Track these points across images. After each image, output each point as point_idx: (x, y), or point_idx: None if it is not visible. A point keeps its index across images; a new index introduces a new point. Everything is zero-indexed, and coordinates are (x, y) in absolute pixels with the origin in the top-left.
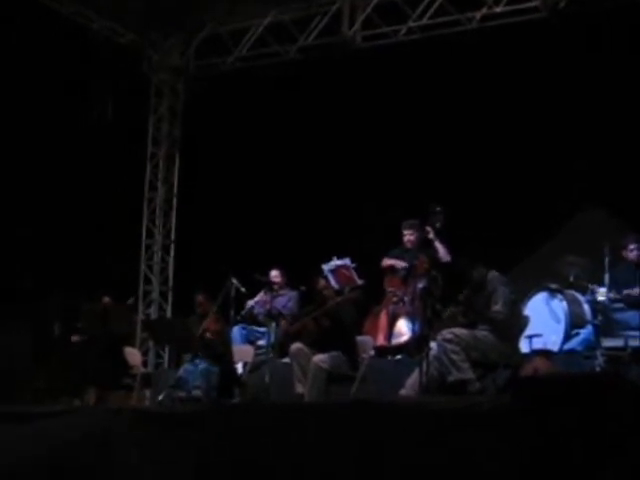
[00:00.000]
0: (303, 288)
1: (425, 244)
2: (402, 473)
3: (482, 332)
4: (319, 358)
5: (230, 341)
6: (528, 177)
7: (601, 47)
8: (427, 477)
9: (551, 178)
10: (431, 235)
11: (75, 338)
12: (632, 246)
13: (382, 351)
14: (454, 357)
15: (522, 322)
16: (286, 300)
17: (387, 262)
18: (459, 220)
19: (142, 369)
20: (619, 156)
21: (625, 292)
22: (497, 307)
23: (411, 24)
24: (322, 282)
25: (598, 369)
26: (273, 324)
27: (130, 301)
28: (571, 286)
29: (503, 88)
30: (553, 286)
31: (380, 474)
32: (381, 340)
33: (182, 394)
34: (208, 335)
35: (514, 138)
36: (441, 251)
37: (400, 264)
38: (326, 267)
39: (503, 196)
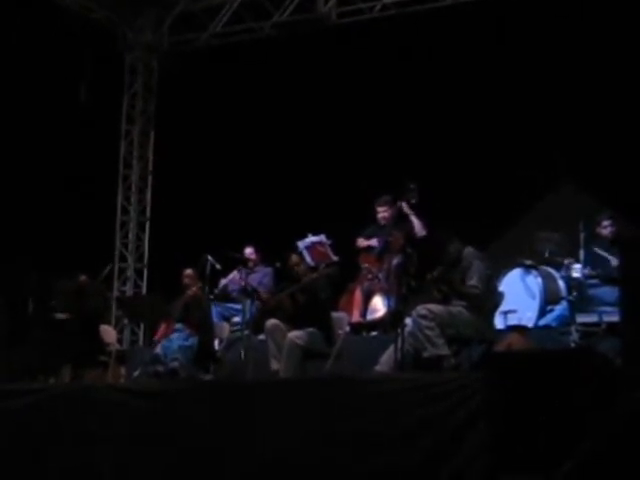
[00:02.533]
0: (278, 264)
1: (399, 220)
2: (374, 445)
3: (457, 308)
4: (294, 334)
5: (210, 312)
6: (504, 153)
7: (575, 18)
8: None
9: (528, 154)
10: (406, 209)
11: (61, 316)
12: (606, 222)
13: (357, 327)
14: (429, 333)
15: (497, 298)
16: (261, 276)
17: (362, 243)
18: (435, 197)
19: (117, 346)
20: (597, 132)
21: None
22: (472, 282)
23: (386, 0)
24: (294, 258)
25: (573, 345)
26: (248, 301)
27: (106, 271)
28: (546, 262)
29: (478, 63)
30: (528, 262)
31: (353, 448)
32: (356, 317)
33: (160, 368)
34: (190, 293)
35: (490, 115)
36: (417, 225)
37: (374, 242)
38: (301, 244)
39: (479, 172)
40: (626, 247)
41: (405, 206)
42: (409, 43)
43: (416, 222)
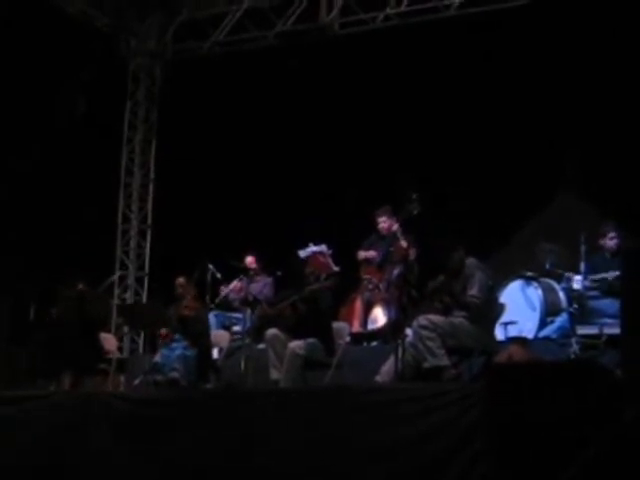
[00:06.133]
0: (280, 274)
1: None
2: (374, 455)
3: (458, 319)
4: (295, 344)
5: (208, 322)
6: (506, 163)
7: (582, 32)
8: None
9: (530, 164)
10: (396, 227)
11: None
12: (612, 234)
13: (358, 337)
14: (430, 344)
15: (498, 309)
16: (261, 286)
17: (361, 255)
18: (436, 208)
19: (117, 354)
20: (600, 142)
21: (599, 277)
22: (473, 291)
23: (389, 11)
24: (310, 267)
25: (573, 356)
26: (248, 310)
27: (109, 281)
28: (547, 274)
29: (480, 73)
30: (529, 274)
31: (354, 457)
32: (357, 327)
33: (159, 377)
34: (186, 312)
35: (491, 126)
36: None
37: (372, 254)
38: (302, 253)
39: (480, 184)
40: (627, 259)
41: (398, 229)
42: (411, 54)
43: (405, 244)
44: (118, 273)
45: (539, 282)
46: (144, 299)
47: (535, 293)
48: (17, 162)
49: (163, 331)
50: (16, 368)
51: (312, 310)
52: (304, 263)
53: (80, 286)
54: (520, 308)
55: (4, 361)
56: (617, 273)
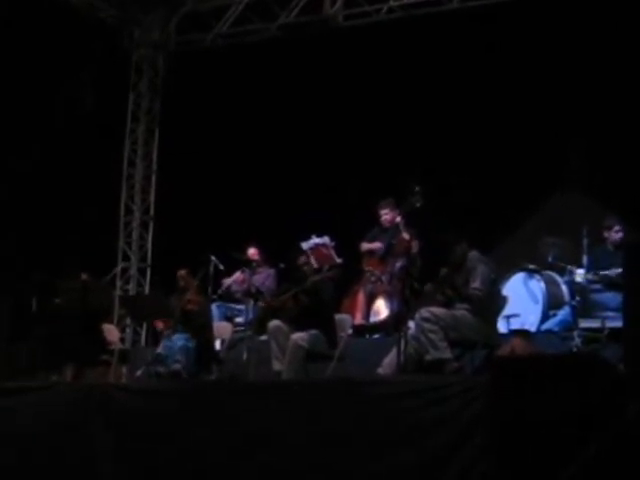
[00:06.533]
0: (282, 265)
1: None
2: (376, 448)
3: (460, 311)
4: (298, 336)
5: (210, 314)
6: (508, 156)
7: (587, 21)
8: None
9: (532, 157)
10: (398, 220)
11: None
12: (617, 227)
13: (360, 330)
14: (432, 336)
15: (500, 302)
16: (264, 277)
17: (365, 247)
18: (439, 201)
19: (120, 345)
20: (603, 136)
21: (602, 273)
22: (475, 284)
23: (392, 3)
24: (303, 258)
25: (575, 350)
26: (251, 301)
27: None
28: (549, 267)
29: (483, 66)
30: (531, 267)
31: (355, 450)
32: (359, 319)
33: (162, 369)
34: (189, 306)
35: (495, 119)
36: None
37: (377, 245)
38: (305, 245)
39: (483, 177)
40: (629, 253)
41: (400, 221)
42: (414, 46)
43: (407, 236)
44: (121, 265)
45: (542, 275)
46: (146, 290)
47: (538, 286)
48: (17, 162)
49: (160, 324)
50: (16, 367)
51: (314, 302)
52: (298, 254)
53: (83, 276)
54: (523, 301)
55: (4, 360)
56: (619, 270)
